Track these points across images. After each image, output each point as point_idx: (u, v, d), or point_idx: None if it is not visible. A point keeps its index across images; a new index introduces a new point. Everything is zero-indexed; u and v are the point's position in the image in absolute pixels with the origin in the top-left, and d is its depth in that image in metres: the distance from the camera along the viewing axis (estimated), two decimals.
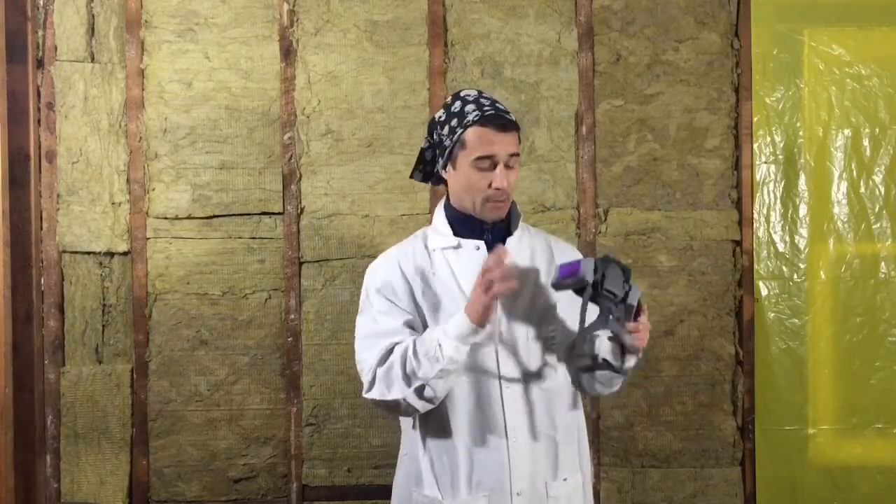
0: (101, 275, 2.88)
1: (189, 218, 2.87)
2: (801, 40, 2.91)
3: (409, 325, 1.83)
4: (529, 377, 1.84)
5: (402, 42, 2.89)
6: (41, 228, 2.87)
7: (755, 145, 2.90)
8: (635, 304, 1.73)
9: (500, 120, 1.81)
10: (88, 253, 2.87)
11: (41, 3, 2.86)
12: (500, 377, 1.82)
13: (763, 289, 2.90)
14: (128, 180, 2.87)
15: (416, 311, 1.85)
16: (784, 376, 2.89)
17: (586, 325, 1.71)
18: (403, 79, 2.89)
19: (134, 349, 2.87)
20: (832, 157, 2.91)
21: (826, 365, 2.90)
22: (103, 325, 2.89)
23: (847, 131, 2.91)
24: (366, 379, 1.81)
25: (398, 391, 1.76)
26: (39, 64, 2.87)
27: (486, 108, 1.82)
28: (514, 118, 1.86)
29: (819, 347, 2.90)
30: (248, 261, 2.88)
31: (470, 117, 1.81)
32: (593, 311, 1.73)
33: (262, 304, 2.88)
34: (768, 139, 2.91)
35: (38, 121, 2.87)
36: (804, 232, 2.91)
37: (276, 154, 2.88)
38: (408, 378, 1.74)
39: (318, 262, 2.88)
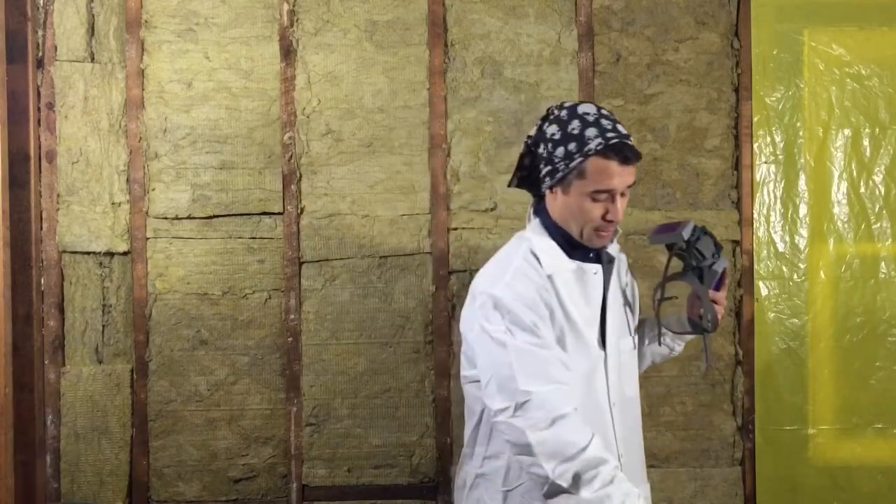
0: (101, 275, 2.88)
1: (189, 218, 2.87)
2: (801, 40, 2.90)
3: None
4: (626, 394, 1.85)
5: (402, 42, 2.89)
6: (41, 228, 2.87)
7: (755, 145, 2.90)
8: (720, 271, 1.82)
9: (624, 153, 1.69)
10: (88, 253, 2.87)
11: (41, 3, 2.86)
12: (609, 398, 1.81)
13: (763, 289, 2.90)
14: (128, 180, 2.87)
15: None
16: (784, 376, 2.89)
17: (668, 275, 1.85)
18: (403, 79, 2.89)
19: (134, 349, 2.87)
20: (832, 157, 2.91)
21: (826, 365, 2.89)
22: (103, 325, 2.89)
23: (847, 131, 2.91)
24: (537, 417, 1.64)
25: (549, 470, 1.63)
26: (39, 64, 2.87)
27: (609, 136, 1.68)
28: (636, 148, 1.73)
29: (819, 347, 2.90)
30: (248, 261, 2.88)
31: (592, 145, 1.68)
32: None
33: (262, 304, 2.88)
34: (768, 139, 2.91)
35: (38, 121, 2.87)
36: (804, 232, 2.91)
37: (276, 154, 2.88)
38: (574, 481, 1.61)
39: (318, 262, 2.88)
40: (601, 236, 1.76)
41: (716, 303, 1.82)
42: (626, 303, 1.94)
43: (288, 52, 2.88)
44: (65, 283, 2.88)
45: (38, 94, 2.87)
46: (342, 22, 2.89)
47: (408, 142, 2.88)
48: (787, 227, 2.91)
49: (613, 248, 1.89)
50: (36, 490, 2.85)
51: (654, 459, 2.89)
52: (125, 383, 2.87)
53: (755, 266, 2.89)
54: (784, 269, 2.91)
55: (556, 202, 1.77)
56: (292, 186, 2.87)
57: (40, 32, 2.87)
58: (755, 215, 2.90)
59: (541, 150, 1.77)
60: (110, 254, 2.88)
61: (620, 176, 1.69)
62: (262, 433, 2.88)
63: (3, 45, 2.79)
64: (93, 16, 2.89)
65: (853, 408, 2.89)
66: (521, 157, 1.83)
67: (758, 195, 2.90)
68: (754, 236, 2.90)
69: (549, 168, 1.74)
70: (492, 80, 2.89)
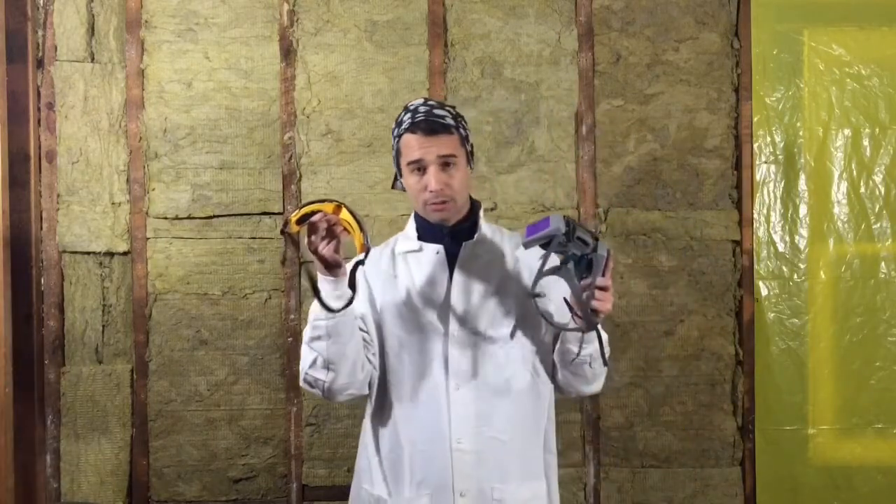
0: (101, 275, 2.88)
1: (189, 218, 2.87)
2: (801, 40, 2.91)
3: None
4: (483, 379, 1.83)
5: (402, 42, 2.89)
6: (41, 228, 2.87)
7: (755, 145, 2.90)
8: (605, 254, 1.70)
9: (426, 125, 1.82)
10: (88, 253, 2.87)
11: (41, 3, 2.87)
12: (448, 377, 1.82)
13: (763, 289, 2.90)
14: (128, 180, 2.87)
15: (371, 312, 1.88)
16: (784, 376, 2.89)
17: (544, 269, 1.67)
18: (403, 79, 2.89)
19: (134, 349, 2.87)
20: (832, 157, 2.92)
21: (826, 365, 2.90)
22: (103, 325, 2.89)
23: (847, 131, 2.91)
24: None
25: (303, 364, 1.82)
26: (39, 64, 2.87)
27: (417, 115, 1.84)
28: (449, 122, 1.84)
29: (819, 347, 2.90)
30: (248, 261, 2.88)
31: (403, 126, 1.86)
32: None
33: (262, 304, 2.88)
34: (768, 139, 2.91)
35: (38, 121, 2.87)
36: (804, 232, 2.91)
37: (276, 154, 2.88)
38: (306, 350, 1.80)
39: None
40: (435, 210, 1.86)
41: (604, 290, 1.72)
42: (499, 289, 1.88)
43: (288, 52, 2.88)
44: (65, 283, 2.88)
45: (38, 94, 2.87)
46: (342, 22, 2.89)
47: None
48: (787, 227, 2.91)
49: (489, 231, 1.93)
50: (36, 490, 2.85)
51: (655, 459, 2.90)
52: (125, 383, 2.88)
53: (755, 266, 2.89)
54: (784, 269, 2.91)
55: None
56: (292, 186, 2.87)
57: (40, 32, 2.87)
58: (755, 215, 2.90)
59: None
60: (110, 254, 2.88)
61: (426, 146, 1.81)
62: (262, 433, 2.88)
63: (3, 45, 2.80)
64: (93, 16, 2.89)
65: (853, 408, 2.89)
66: None
67: (758, 195, 2.90)
68: (754, 236, 2.90)
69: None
70: (492, 80, 2.89)
